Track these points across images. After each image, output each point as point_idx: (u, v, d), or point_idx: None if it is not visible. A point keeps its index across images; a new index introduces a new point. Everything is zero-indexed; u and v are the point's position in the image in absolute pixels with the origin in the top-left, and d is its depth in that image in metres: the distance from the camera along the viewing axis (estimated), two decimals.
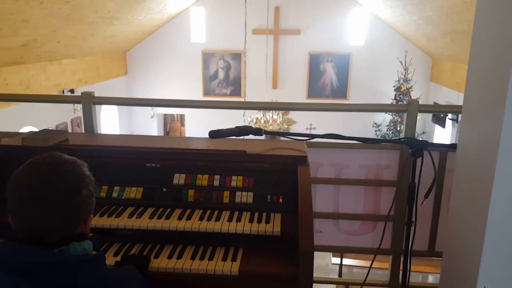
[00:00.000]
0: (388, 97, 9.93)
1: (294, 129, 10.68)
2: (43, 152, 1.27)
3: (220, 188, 1.91)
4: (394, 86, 9.72)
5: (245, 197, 1.89)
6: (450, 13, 6.44)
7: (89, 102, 2.43)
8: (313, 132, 10.14)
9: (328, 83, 10.62)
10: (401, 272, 2.25)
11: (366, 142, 2.21)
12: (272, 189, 1.91)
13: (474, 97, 1.59)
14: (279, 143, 2.17)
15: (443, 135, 9.22)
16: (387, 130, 10.01)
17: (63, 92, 7.46)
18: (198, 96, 10.55)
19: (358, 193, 2.54)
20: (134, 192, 1.90)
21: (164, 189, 1.91)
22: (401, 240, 2.43)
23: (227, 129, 1.98)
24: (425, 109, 2.55)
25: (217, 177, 1.92)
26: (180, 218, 1.79)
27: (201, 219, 1.78)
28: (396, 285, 2.54)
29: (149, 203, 1.89)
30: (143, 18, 8.65)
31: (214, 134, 1.97)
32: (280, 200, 1.89)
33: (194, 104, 2.76)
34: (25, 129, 5.88)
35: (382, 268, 4.83)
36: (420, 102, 2.43)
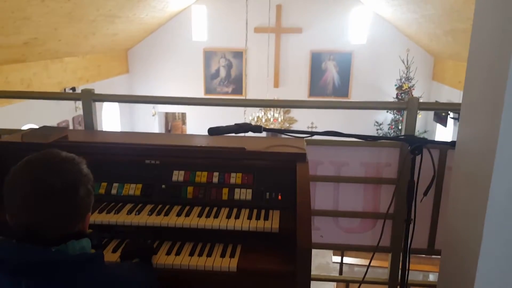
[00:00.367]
0: (390, 96, 9.92)
1: (295, 128, 10.67)
2: (42, 148, 1.26)
3: (219, 185, 1.91)
4: (395, 85, 9.70)
5: (244, 194, 1.89)
6: (452, 11, 6.42)
7: (89, 99, 2.43)
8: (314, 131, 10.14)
9: (329, 82, 10.61)
10: (400, 270, 2.25)
11: (365, 139, 2.21)
12: (271, 186, 1.91)
13: (473, 94, 1.59)
14: (278, 141, 2.17)
15: (444, 134, 9.20)
16: (388, 129, 10.00)
17: (64, 90, 7.47)
18: (200, 94, 10.55)
19: (358, 191, 2.54)
20: (133, 189, 1.91)
21: (163, 186, 1.91)
22: (401, 237, 2.43)
23: (226, 126, 1.99)
24: (424, 106, 2.55)
25: (216, 174, 1.93)
26: (179, 214, 1.79)
27: (199, 215, 1.79)
28: (395, 283, 2.54)
29: (148, 200, 1.89)
30: (144, 16, 8.65)
31: (213, 131, 1.98)
32: (279, 197, 1.89)
33: (193, 102, 2.75)
34: (27, 127, 5.90)
35: (382, 267, 4.83)
36: (421, 101, 2.42)
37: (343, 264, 5.45)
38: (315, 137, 2.23)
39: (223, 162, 1.95)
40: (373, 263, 4.69)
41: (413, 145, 1.98)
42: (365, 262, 5.54)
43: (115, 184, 1.91)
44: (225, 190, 1.90)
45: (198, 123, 10.52)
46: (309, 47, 10.38)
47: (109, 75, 9.57)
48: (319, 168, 2.52)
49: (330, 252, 5.96)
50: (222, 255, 1.66)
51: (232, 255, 1.66)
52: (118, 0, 6.84)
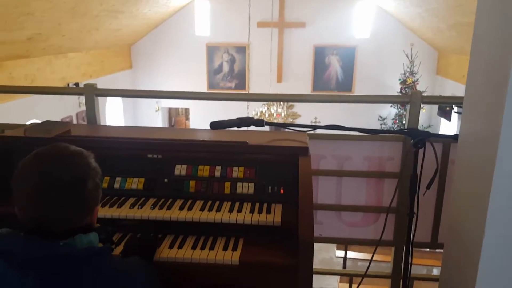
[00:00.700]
0: (394, 90, 9.87)
1: (298, 122, 10.66)
2: (45, 143, 1.27)
3: (221, 179, 1.91)
4: (399, 80, 9.66)
5: (246, 188, 1.89)
6: (456, 5, 6.38)
7: (92, 94, 2.44)
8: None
9: (333, 77, 10.57)
10: (403, 264, 2.25)
11: (368, 132, 2.20)
12: (273, 180, 1.91)
13: (475, 88, 1.59)
14: (280, 135, 2.17)
15: (449, 128, 9.16)
16: (392, 124, 9.97)
17: (68, 85, 7.49)
18: (203, 90, 10.54)
19: (361, 185, 2.53)
20: (135, 183, 1.91)
21: (166, 180, 1.92)
22: (404, 231, 2.42)
23: (228, 120, 1.99)
24: (428, 100, 2.53)
25: (218, 168, 1.93)
26: (181, 208, 1.80)
27: (202, 209, 1.79)
28: (398, 277, 2.54)
29: (151, 194, 1.90)
30: (147, 11, 8.64)
31: (215, 125, 1.98)
32: (281, 191, 1.89)
33: (195, 96, 2.76)
34: (30, 123, 5.91)
35: (386, 261, 4.84)
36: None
37: (347, 259, 5.46)
38: (318, 131, 2.23)
39: (225, 156, 1.95)
40: (377, 257, 4.70)
41: (415, 139, 1.97)
42: (368, 256, 5.54)
43: (118, 178, 1.92)
44: (227, 184, 1.90)
45: (202, 118, 10.53)
46: (312, 42, 10.34)
47: (113, 70, 9.58)
48: (322, 162, 2.51)
49: (334, 246, 5.98)
50: (225, 249, 1.67)
51: (234, 249, 1.66)
52: None
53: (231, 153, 1.95)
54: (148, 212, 1.77)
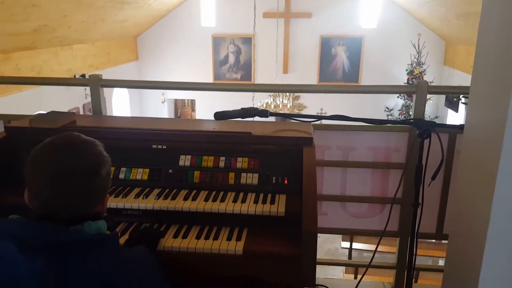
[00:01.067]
0: (401, 81, 9.80)
1: (305, 113, 10.62)
2: (51, 133, 1.28)
3: (226, 169, 1.92)
4: (406, 70, 9.59)
5: (251, 178, 1.90)
6: None
7: (97, 84, 2.44)
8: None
9: (339, 67, 10.51)
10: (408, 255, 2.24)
11: (373, 123, 2.19)
12: (277, 171, 1.91)
13: (481, 78, 1.57)
14: (285, 125, 2.16)
15: (456, 119, 9.10)
16: (399, 115, 9.90)
17: (74, 77, 7.51)
18: (209, 81, 10.53)
19: (366, 176, 2.52)
20: (140, 173, 1.92)
21: (170, 171, 1.93)
22: (409, 222, 2.41)
23: (232, 111, 1.98)
24: (434, 90, 2.51)
25: (222, 158, 1.93)
26: (185, 199, 1.80)
27: (206, 200, 1.80)
28: (403, 267, 2.54)
29: (155, 184, 1.90)
30: (153, 2, 8.62)
31: (219, 116, 1.98)
32: (285, 181, 1.89)
33: (200, 87, 2.75)
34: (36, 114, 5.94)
35: (391, 252, 4.84)
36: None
37: (352, 250, 5.47)
38: (323, 122, 2.22)
39: (230, 146, 1.95)
40: (383, 248, 4.69)
41: (421, 129, 1.96)
42: (374, 247, 5.54)
43: (123, 169, 1.93)
44: (231, 175, 1.90)
45: (208, 109, 10.49)
46: (318, 32, 10.27)
47: (119, 62, 9.59)
48: (327, 153, 2.51)
49: (339, 237, 5.99)
50: (229, 239, 1.67)
51: (238, 239, 1.67)
52: None
53: (235, 143, 1.96)
54: (152, 202, 1.78)
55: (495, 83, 1.43)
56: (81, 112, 7.84)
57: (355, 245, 5.47)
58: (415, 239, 2.15)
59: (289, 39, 10.32)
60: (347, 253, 5.60)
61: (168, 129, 2.03)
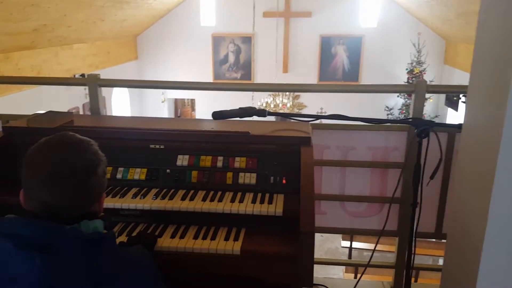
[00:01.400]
0: (401, 80, 9.79)
1: (304, 113, 10.61)
2: (49, 133, 1.28)
3: (224, 169, 1.91)
4: (406, 69, 9.58)
5: (248, 178, 1.89)
6: None
7: (95, 84, 2.44)
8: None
9: (339, 67, 10.50)
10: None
11: (371, 122, 2.18)
12: (275, 170, 1.90)
13: (479, 77, 1.56)
14: (283, 125, 2.16)
15: (456, 118, 9.09)
16: (399, 114, 9.90)
17: (74, 77, 7.51)
18: (209, 80, 10.52)
19: (365, 175, 2.52)
20: (138, 173, 1.92)
21: (168, 170, 1.92)
22: (407, 221, 2.41)
23: (230, 110, 1.98)
24: (432, 89, 2.50)
25: (220, 158, 1.93)
26: (183, 198, 1.80)
27: (204, 199, 1.79)
28: (402, 267, 2.54)
29: (153, 184, 1.90)
30: (153, 1, 8.62)
31: (217, 115, 1.97)
32: (283, 181, 1.88)
33: (200, 87, 2.75)
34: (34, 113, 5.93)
35: (391, 251, 4.84)
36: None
37: (352, 249, 5.47)
38: (322, 121, 2.21)
39: (228, 146, 1.95)
40: (383, 247, 4.69)
41: (419, 128, 1.95)
42: (374, 246, 5.55)
43: (120, 169, 1.92)
44: (229, 174, 1.90)
45: (208, 109, 10.42)
46: (318, 32, 10.26)
47: (119, 61, 9.59)
48: (326, 153, 2.50)
49: (339, 237, 5.99)
50: (226, 239, 1.67)
51: (236, 239, 1.67)
52: None
53: (233, 143, 1.95)
54: (150, 202, 1.77)
55: (493, 82, 1.42)
56: (81, 112, 7.84)
57: (356, 244, 5.47)
58: (413, 239, 2.14)
59: (289, 39, 10.31)
60: (347, 252, 5.61)
61: (165, 129, 2.02)
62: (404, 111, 9.75)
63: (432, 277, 4.66)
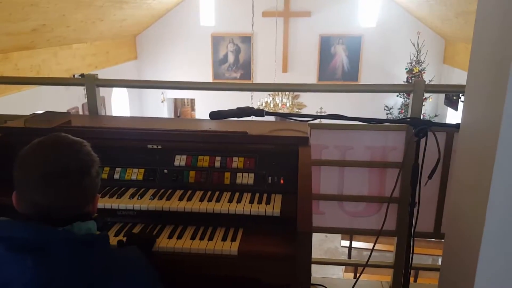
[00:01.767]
0: (400, 79, 9.78)
1: (304, 113, 10.59)
2: (45, 133, 1.28)
3: (221, 169, 1.91)
4: (406, 69, 9.57)
5: (246, 178, 1.88)
6: None
7: (93, 84, 2.44)
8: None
9: (339, 66, 10.49)
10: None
11: (369, 122, 2.18)
12: (273, 170, 1.90)
13: (477, 77, 1.56)
14: (281, 125, 2.16)
15: (456, 118, 9.08)
16: (398, 113, 9.89)
17: (73, 77, 7.50)
18: (208, 80, 10.51)
19: (363, 175, 2.52)
20: (135, 174, 1.91)
21: (165, 171, 1.92)
22: (406, 221, 2.41)
23: (228, 110, 1.97)
24: (431, 89, 2.50)
25: (218, 158, 1.92)
26: (181, 199, 1.79)
27: (201, 200, 1.79)
28: (400, 266, 2.53)
29: (150, 184, 1.89)
30: (152, 1, 8.61)
31: (214, 115, 1.97)
32: (281, 181, 1.88)
33: (199, 86, 2.75)
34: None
35: (390, 251, 4.83)
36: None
37: (352, 248, 5.47)
38: (320, 121, 2.21)
39: (225, 146, 1.94)
40: (383, 247, 4.69)
41: (417, 128, 1.95)
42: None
43: (118, 169, 1.92)
44: (227, 175, 1.89)
45: (207, 109, 10.39)
46: (318, 31, 10.25)
47: (118, 61, 9.58)
48: (324, 152, 2.50)
49: (339, 236, 5.99)
50: (224, 239, 1.66)
51: (233, 239, 1.66)
52: None
53: (231, 143, 1.95)
54: (147, 202, 1.77)
55: (491, 82, 1.42)
56: (81, 112, 7.84)
57: (355, 244, 5.46)
58: (412, 238, 2.14)
59: (288, 38, 10.30)
60: (346, 252, 5.60)
61: (163, 129, 2.02)
62: (403, 111, 9.74)
63: (432, 276, 4.66)
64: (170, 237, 1.68)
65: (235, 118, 2.04)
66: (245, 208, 1.73)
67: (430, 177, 1.97)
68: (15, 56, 5.93)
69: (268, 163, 1.91)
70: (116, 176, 1.90)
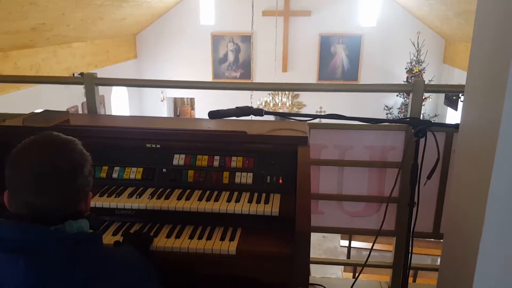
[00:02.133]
0: (400, 79, 9.78)
1: (304, 112, 10.59)
2: None
3: (220, 168, 1.90)
4: (406, 68, 9.57)
5: (245, 177, 1.88)
6: None
7: (91, 83, 2.43)
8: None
9: (339, 66, 10.49)
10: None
11: (368, 122, 2.18)
12: (272, 170, 1.90)
13: (476, 77, 1.56)
14: (280, 124, 2.15)
15: (456, 117, 9.08)
16: (398, 113, 9.89)
17: (73, 75, 7.50)
18: (208, 79, 10.51)
19: (362, 175, 2.51)
20: (134, 173, 1.91)
21: (164, 170, 1.91)
22: (405, 221, 2.41)
23: (227, 110, 1.97)
24: (430, 89, 2.50)
25: (217, 157, 1.92)
26: (179, 198, 1.79)
27: (200, 199, 1.78)
28: (399, 266, 2.53)
29: (149, 184, 1.89)
30: (151, 0, 8.60)
31: (213, 115, 1.96)
32: (280, 181, 1.88)
33: (199, 85, 2.74)
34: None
35: (390, 251, 4.83)
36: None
37: (351, 248, 5.46)
38: (320, 120, 2.20)
39: (224, 145, 1.94)
40: (382, 247, 4.68)
41: (417, 128, 1.95)
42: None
43: (116, 168, 1.91)
44: (225, 174, 1.89)
45: (207, 108, 10.41)
46: (318, 31, 10.25)
47: (118, 60, 9.58)
48: (323, 152, 2.49)
49: (338, 236, 5.99)
50: (222, 238, 1.66)
51: (231, 238, 1.66)
52: None
53: (230, 142, 1.94)
54: (146, 201, 1.76)
55: (490, 82, 1.42)
56: (80, 111, 7.83)
57: (354, 244, 5.46)
58: (411, 238, 2.14)
59: (288, 38, 10.30)
60: (346, 251, 5.60)
61: (162, 128, 2.01)
62: (403, 110, 9.74)
63: (431, 277, 4.66)
64: (168, 236, 1.67)
65: (234, 118, 2.03)
66: (244, 208, 1.72)
67: (429, 177, 1.97)
68: (14, 54, 5.93)
69: (267, 162, 1.90)
70: (115, 175, 1.90)
